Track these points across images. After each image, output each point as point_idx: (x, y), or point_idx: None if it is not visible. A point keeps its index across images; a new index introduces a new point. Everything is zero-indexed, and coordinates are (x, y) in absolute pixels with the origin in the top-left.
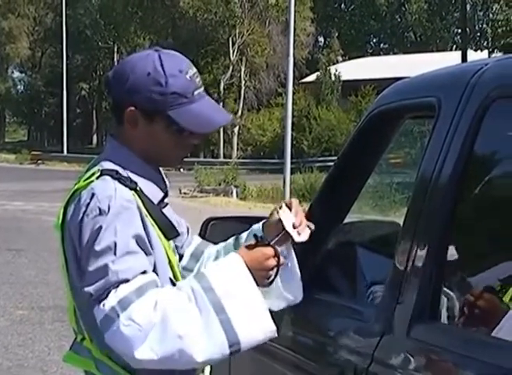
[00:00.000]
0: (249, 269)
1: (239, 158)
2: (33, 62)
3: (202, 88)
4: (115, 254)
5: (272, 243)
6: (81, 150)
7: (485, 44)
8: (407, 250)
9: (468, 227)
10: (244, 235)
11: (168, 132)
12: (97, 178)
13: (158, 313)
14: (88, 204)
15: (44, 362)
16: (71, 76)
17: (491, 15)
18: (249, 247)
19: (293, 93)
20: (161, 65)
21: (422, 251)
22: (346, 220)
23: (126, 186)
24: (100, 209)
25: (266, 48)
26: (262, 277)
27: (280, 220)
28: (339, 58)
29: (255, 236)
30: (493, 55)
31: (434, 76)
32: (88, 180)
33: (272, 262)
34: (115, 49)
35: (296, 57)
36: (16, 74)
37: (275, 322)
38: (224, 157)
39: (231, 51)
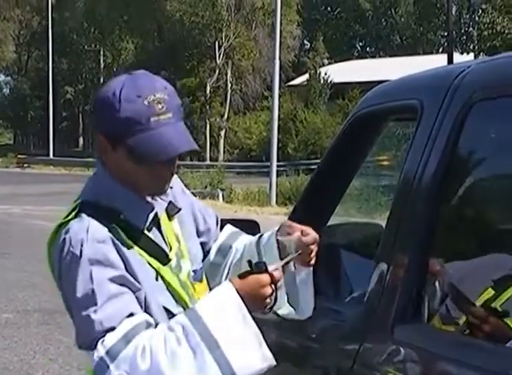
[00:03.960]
0: (243, 298)
1: (225, 161)
2: (19, 66)
3: (167, 115)
4: (95, 303)
5: (273, 268)
6: (67, 153)
7: (471, 46)
8: (389, 251)
9: (451, 228)
10: (266, 236)
11: (130, 160)
12: (75, 216)
13: (147, 361)
14: (63, 248)
15: (30, 365)
16: (57, 80)
17: (477, 18)
18: (243, 275)
19: (280, 96)
20: (121, 89)
21: (405, 252)
22: (330, 222)
23: (105, 219)
24: (73, 254)
25: (252, 51)
26: (258, 306)
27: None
28: (325, 62)
29: (249, 262)
30: (479, 58)
31: (417, 78)
32: (69, 217)
33: (268, 290)
34: (101, 53)
35: (283, 60)
36: (2, 78)
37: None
38: (210, 160)
39: (217, 55)
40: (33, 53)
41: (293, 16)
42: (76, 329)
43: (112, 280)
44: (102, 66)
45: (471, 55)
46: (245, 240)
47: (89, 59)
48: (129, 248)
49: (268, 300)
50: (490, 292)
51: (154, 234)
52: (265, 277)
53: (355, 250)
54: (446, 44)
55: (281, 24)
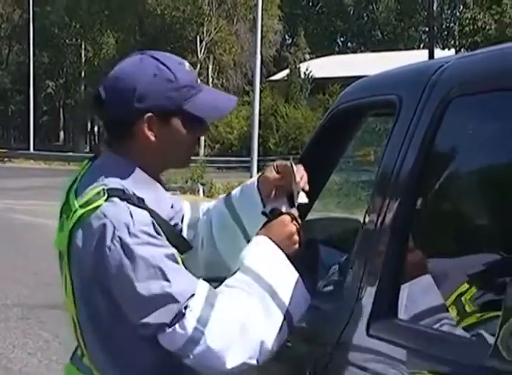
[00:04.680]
0: (277, 244)
1: (206, 156)
2: (0, 60)
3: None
4: (166, 277)
5: (271, 203)
6: (48, 147)
7: (452, 42)
8: (366, 247)
9: (429, 224)
10: (235, 192)
11: (186, 127)
12: (105, 201)
13: (235, 319)
14: (104, 233)
15: (8, 359)
16: (38, 74)
17: (458, 13)
18: (265, 225)
19: (261, 91)
20: (163, 63)
21: (382, 248)
22: (309, 217)
23: (136, 206)
24: (121, 239)
25: (234, 46)
26: (290, 246)
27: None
28: (307, 57)
29: (264, 213)
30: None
31: (395, 73)
32: (95, 204)
33: (292, 227)
34: (82, 47)
35: (264, 55)
36: None
37: None
38: None
39: (198, 49)
40: (14, 47)
41: (275, 10)
42: (144, 309)
43: (169, 257)
44: (83, 60)
45: (452, 50)
46: (207, 206)
47: (70, 53)
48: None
49: (296, 236)
50: (465, 286)
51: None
52: (285, 217)
53: (333, 245)
54: (427, 39)
55: (262, 19)
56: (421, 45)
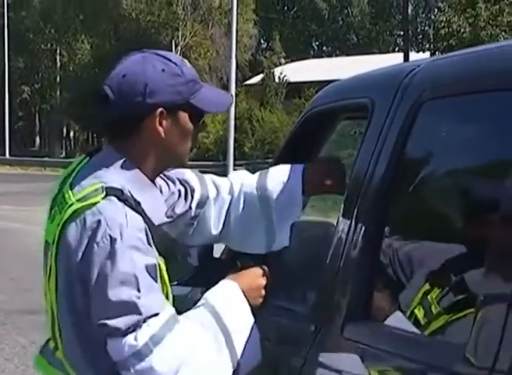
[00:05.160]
0: (244, 293)
1: None
2: None
3: None
4: (138, 287)
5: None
6: (24, 153)
7: (427, 45)
8: (340, 250)
9: (401, 227)
10: (273, 186)
11: (192, 122)
12: (103, 198)
13: (187, 350)
14: (96, 229)
15: None
16: (13, 79)
17: (433, 16)
18: (237, 271)
19: (236, 95)
20: (167, 59)
21: (355, 250)
22: None
23: (131, 208)
24: (111, 237)
25: (209, 51)
26: (256, 298)
27: None
28: (282, 61)
29: (238, 262)
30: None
31: (368, 77)
32: (92, 200)
33: (262, 281)
34: (58, 52)
35: (239, 59)
36: None
37: None
38: None
39: (174, 53)
40: None
41: (250, 15)
42: (108, 311)
43: (149, 268)
44: (59, 65)
45: (427, 53)
46: (219, 183)
47: (45, 59)
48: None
49: (263, 291)
50: (429, 285)
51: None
52: (259, 270)
53: (307, 248)
54: (401, 43)
55: (237, 23)
56: (396, 49)
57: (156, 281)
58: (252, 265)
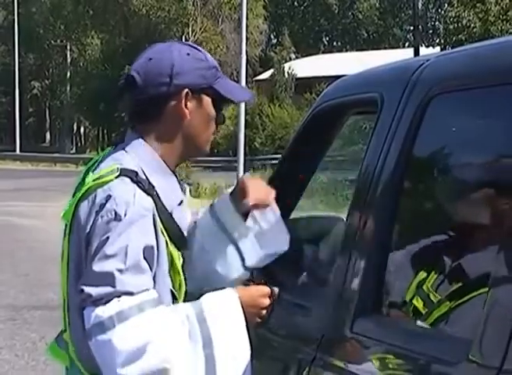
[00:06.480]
0: (242, 305)
1: None
2: None
3: None
4: (124, 263)
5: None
6: (34, 149)
7: (437, 40)
8: (350, 244)
9: (411, 221)
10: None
11: (214, 106)
12: (116, 177)
13: (153, 334)
14: (104, 205)
15: None
16: (23, 75)
17: (443, 12)
18: (245, 284)
19: None
20: (192, 47)
21: (365, 245)
22: (293, 216)
23: (144, 191)
24: (116, 213)
25: (219, 46)
26: (254, 316)
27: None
28: (292, 56)
29: (249, 279)
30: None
31: (377, 72)
32: (106, 178)
33: (266, 301)
34: (68, 48)
35: (249, 55)
36: None
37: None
38: None
39: None
40: None
41: (260, 10)
42: (89, 279)
43: (144, 249)
44: (69, 61)
45: (437, 48)
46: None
47: (56, 54)
48: (158, 224)
49: (264, 311)
50: (423, 274)
51: (176, 217)
52: (266, 289)
53: (316, 243)
54: (411, 38)
55: (247, 18)
56: (406, 44)
57: (150, 263)
58: (264, 283)
